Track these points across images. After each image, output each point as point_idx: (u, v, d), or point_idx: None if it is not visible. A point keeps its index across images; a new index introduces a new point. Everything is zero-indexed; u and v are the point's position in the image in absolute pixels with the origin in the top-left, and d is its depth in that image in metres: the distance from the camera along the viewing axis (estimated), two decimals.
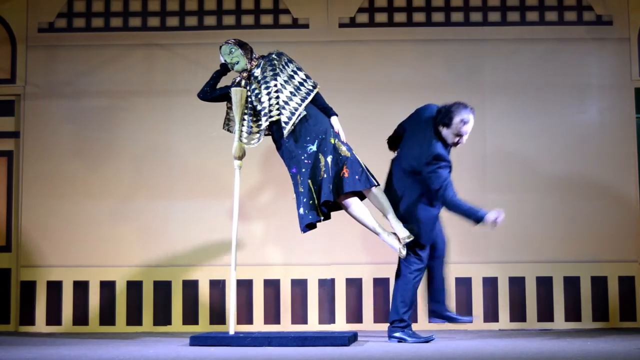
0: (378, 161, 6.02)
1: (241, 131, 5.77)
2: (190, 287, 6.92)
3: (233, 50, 5.76)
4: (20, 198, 7.03)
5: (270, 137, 5.77)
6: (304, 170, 5.52)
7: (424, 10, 7.14)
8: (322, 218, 5.55)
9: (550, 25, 7.08)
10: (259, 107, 5.69)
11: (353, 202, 5.55)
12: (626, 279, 6.85)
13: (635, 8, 7.04)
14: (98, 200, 6.96)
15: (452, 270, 6.85)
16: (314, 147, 5.54)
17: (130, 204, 6.97)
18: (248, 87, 5.76)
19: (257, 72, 5.73)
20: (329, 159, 5.50)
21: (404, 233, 5.44)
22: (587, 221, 6.82)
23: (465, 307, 6.82)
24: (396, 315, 5.57)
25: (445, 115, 5.45)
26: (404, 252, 5.46)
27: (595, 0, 7.07)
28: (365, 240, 6.56)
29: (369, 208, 5.59)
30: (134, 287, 6.93)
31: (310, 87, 5.69)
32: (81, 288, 6.94)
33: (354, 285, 6.89)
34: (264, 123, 5.60)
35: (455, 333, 6.46)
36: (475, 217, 5.32)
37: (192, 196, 6.95)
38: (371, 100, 6.99)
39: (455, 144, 5.53)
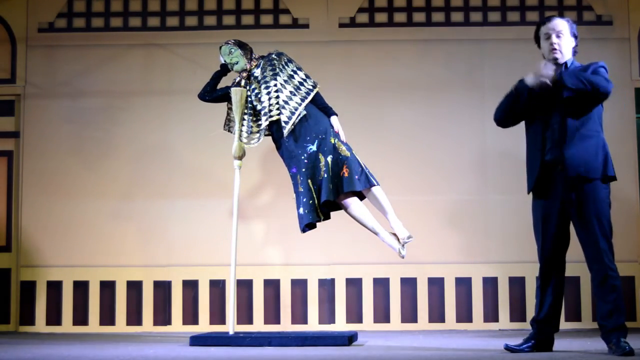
0: (378, 161, 6.02)
1: (241, 131, 5.78)
2: (190, 287, 6.92)
3: (233, 50, 5.76)
4: (20, 198, 7.03)
5: (270, 137, 5.77)
6: (303, 170, 5.51)
7: (424, 10, 7.14)
8: (322, 218, 5.56)
9: None
10: (259, 107, 5.69)
11: (352, 202, 5.54)
12: (626, 279, 6.84)
13: (635, 8, 7.04)
14: (98, 200, 6.96)
15: (452, 270, 6.87)
16: (313, 147, 5.53)
17: (130, 204, 6.97)
18: (248, 87, 5.76)
19: (257, 72, 5.73)
20: (329, 158, 5.50)
21: (403, 233, 5.44)
22: None
23: (465, 307, 6.82)
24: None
25: (534, 39, 5.13)
26: (403, 252, 5.45)
27: (595, 0, 7.07)
28: (365, 240, 6.55)
29: (368, 208, 5.59)
30: (134, 287, 6.93)
31: (310, 87, 5.69)
32: (81, 288, 6.94)
33: (354, 285, 6.89)
34: (264, 123, 5.60)
35: (455, 333, 6.46)
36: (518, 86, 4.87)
37: (192, 196, 6.94)
38: (371, 100, 6.99)
39: (553, 49, 4.98)
